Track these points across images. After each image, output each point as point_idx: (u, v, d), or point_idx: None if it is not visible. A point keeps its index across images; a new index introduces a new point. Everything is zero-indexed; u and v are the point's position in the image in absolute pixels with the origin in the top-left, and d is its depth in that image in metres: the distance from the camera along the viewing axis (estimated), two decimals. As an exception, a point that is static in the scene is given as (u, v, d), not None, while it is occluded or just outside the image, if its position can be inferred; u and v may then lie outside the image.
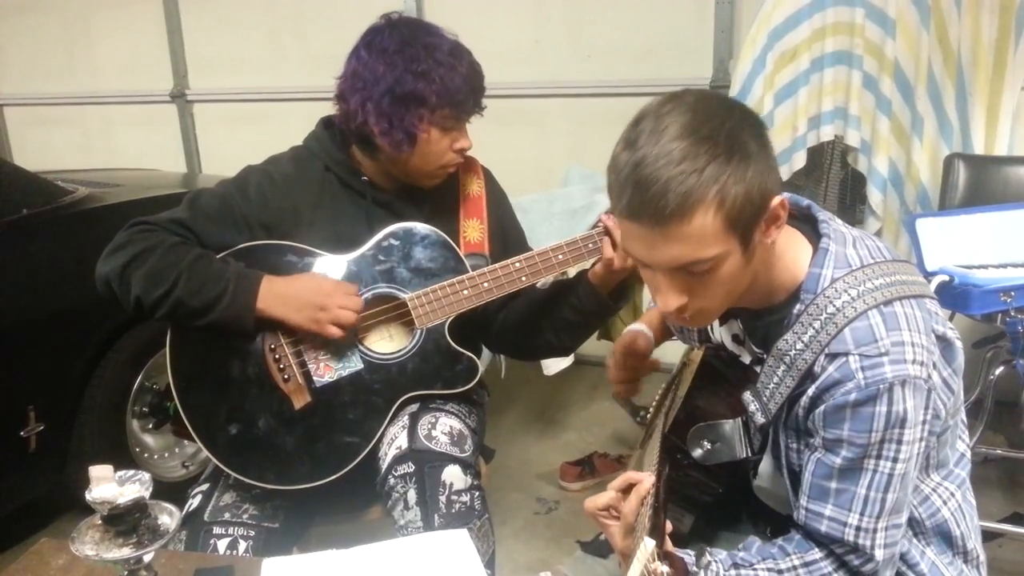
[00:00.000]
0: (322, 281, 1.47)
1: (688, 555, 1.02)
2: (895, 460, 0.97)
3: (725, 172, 0.88)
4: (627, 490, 1.04)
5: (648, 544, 0.82)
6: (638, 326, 1.44)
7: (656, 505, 0.94)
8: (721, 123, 0.90)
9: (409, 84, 1.41)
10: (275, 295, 1.42)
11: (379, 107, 1.42)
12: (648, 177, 0.88)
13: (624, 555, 1.03)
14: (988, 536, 2.14)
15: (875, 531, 0.99)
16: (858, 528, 0.99)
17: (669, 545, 1.00)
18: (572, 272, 1.57)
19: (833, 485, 1.00)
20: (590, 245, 1.46)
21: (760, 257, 0.99)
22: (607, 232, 1.42)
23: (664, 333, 1.44)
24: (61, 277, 2.20)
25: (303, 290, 1.43)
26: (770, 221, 0.96)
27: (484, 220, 1.61)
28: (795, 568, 1.03)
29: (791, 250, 1.04)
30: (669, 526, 0.94)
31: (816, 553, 1.03)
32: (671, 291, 0.97)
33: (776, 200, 0.94)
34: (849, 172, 2.79)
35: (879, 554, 1.00)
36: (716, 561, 1.02)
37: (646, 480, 1.02)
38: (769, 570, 1.03)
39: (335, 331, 1.42)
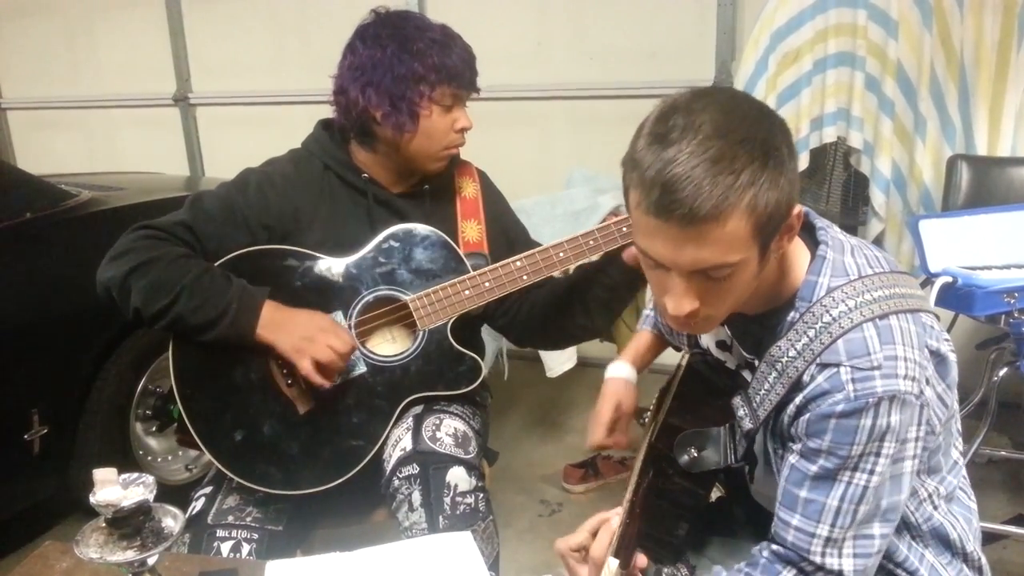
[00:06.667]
0: (322, 318, 1.45)
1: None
2: (871, 473, 0.95)
3: (760, 178, 0.86)
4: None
5: (611, 564, 0.82)
6: (622, 369, 1.43)
7: (626, 521, 0.94)
8: (756, 126, 0.88)
9: (407, 63, 1.45)
10: (275, 322, 1.41)
11: (379, 89, 1.45)
12: (682, 175, 0.85)
13: None
14: (992, 538, 2.13)
15: (843, 540, 0.97)
16: (827, 539, 0.97)
17: (641, 560, 1.00)
18: (571, 271, 1.57)
19: (803, 494, 0.98)
20: (591, 242, 1.47)
21: (769, 266, 0.98)
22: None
23: (647, 361, 1.45)
24: (64, 280, 2.20)
25: (301, 322, 1.42)
26: (786, 231, 0.94)
27: (481, 221, 1.62)
28: None
29: (790, 257, 1.02)
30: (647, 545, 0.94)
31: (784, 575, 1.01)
32: (686, 295, 0.93)
33: (796, 210, 0.93)
34: (852, 173, 2.79)
35: (848, 564, 0.98)
36: None
37: (614, 519, 1.01)
38: None
39: (309, 366, 1.39)
